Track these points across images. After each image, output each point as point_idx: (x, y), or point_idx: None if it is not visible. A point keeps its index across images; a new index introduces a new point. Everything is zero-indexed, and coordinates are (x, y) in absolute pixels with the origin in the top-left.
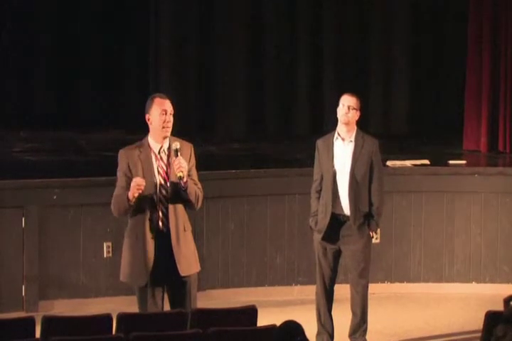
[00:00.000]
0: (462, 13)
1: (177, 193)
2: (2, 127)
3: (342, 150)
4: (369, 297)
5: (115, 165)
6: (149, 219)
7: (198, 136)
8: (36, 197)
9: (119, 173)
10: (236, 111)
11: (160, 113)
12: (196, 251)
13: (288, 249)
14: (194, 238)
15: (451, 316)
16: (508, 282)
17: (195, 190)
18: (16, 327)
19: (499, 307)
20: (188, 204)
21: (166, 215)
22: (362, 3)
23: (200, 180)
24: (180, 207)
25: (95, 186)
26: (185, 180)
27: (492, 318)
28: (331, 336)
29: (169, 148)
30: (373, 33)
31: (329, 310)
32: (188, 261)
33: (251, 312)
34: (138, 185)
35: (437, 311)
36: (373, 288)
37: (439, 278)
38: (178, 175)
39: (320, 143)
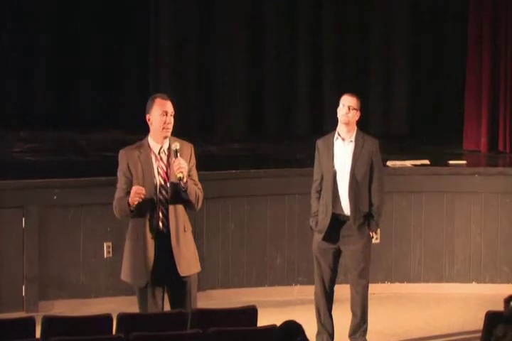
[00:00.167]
0: (462, 13)
1: (177, 194)
2: (2, 127)
3: (342, 151)
4: (369, 297)
5: (115, 165)
6: (149, 220)
7: (198, 136)
8: (36, 197)
9: (119, 174)
10: (236, 111)
11: (160, 114)
12: (196, 252)
13: (288, 249)
14: (194, 238)
15: (451, 316)
16: (508, 282)
17: (195, 190)
18: (16, 328)
19: (499, 307)
20: (188, 204)
21: (166, 216)
22: (362, 3)
23: (200, 180)
24: (180, 207)
25: (95, 186)
26: (185, 180)
27: (492, 318)
28: (331, 336)
29: (169, 148)
30: (373, 33)
31: (329, 310)
32: (188, 261)
33: (251, 312)
34: (137, 193)
35: (437, 311)
36: (373, 288)
37: (439, 278)
38: (178, 175)
39: (320, 143)
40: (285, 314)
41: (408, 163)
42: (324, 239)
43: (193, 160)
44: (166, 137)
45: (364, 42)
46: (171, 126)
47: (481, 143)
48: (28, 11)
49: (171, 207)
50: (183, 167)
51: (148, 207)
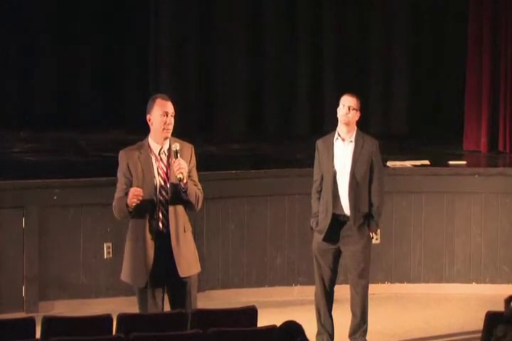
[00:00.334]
0: (462, 13)
1: (177, 194)
2: (2, 127)
3: (342, 151)
4: (369, 297)
5: (115, 165)
6: (149, 221)
7: (198, 136)
8: (36, 198)
9: (119, 174)
10: (236, 111)
11: (161, 114)
12: (197, 252)
13: (288, 249)
14: (194, 238)
15: (451, 316)
16: (508, 282)
17: (195, 191)
18: (16, 328)
19: (499, 307)
20: (188, 205)
21: (166, 216)
22: (362, 3)
23: (200, 180)
24: (180, 208)
25: (95, 186)
26: (185, 181)
27: (492, 319)
28: (331, 336)
29: (169, 149)
30: (373, 33)
31: (329, 310)
32: (187, 262)
33: (251, 312)
34: (135, 195)
35: (437, 311)
36: (373, 289)
37: (439, 279)
38: (178, 176)
39: (320, 143)
40: (285, 314)
41: (408, 164)
42: (324, 239)
43: (193, 161)
44: (166, 138)
45: (364, 42)
46: (171, 127)
47: (481, 144)
48: (28, 11)
49: (171, 208)
50: (183, 167)
51: (148, 208)
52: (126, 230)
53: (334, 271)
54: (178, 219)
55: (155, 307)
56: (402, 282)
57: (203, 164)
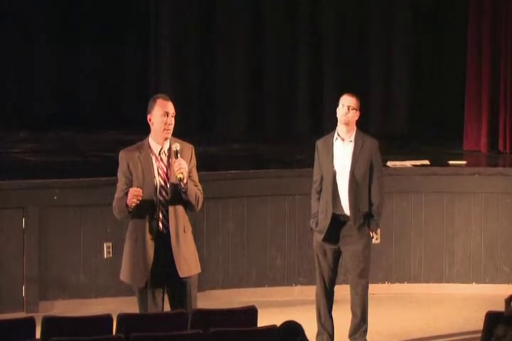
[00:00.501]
0: (462, 13)
1: (177, 195)
2: (2, 127)
3: (342, 151)
4: (369, 297)
5: (115, 165)
6: (149, 221)
7: (198, 136)
8: (36, 198)
9: (119, 174)
10: (236, 112)
11: (162, 114)
12: (196, 253)
13: (288, 249)
14: (194, 238)
15: (451, 316)
16: (508, 282)
17: (195, 191)
18: (17, 328)
19: (499, 307)
20: (188, 205)
21: (166, 217)
22: (362, 3)
23: (200, 180)
24: (180, 208)
25: (95, 187)
26: (185, 181)
27: (492, 318)
28: (331, 336)
29: (169, 149)
30: (373, 33)
31: (329, 310)
32: (187, 262)
33: (251, 312)
34: (135, 195)
35: (437, 311)
36: (373, 289)
37: (440, 279)
38: (178, 176)
39: (320, 143)
40: (285, 314)
41: (408, 163)
42: (324, 239)
43: (194, 161)
44: (166, 138)
45: (364, 42)
46: (171, 127)
47: (481, 144)
48: (28, 11)
49: (170, 208)
50: (184, 168)
51: (148, 208)
52: (126, 230)
53: (334, 271)
54: (178, 220)
55: (155, 307)
56: (402, 282)
57: (203, 164)
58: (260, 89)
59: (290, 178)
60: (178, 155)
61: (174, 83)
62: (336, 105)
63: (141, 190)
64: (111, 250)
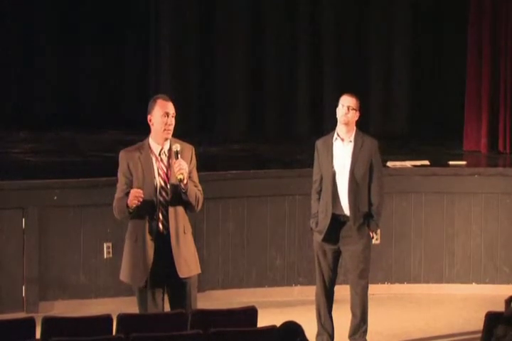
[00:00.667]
0: (462, 13)
1: (177, 195)
2: (2, 127)
3: (341, 151)
4: (369, 298)
5: (115, 165)
6: (149, 221)
7: (198, 136)
8: (36, 198)
9: (119, 174)
10: (236, 112)
11: (162, 115)
12: (196, 253)
13: (288, 249)
14: (194, 239)
15: (451, 317)
16: (508, 283)
17: (195, 192)
18: (17, 328)
19: (499, 307)
20: (188, 206)
21: (166, 217)
22: (362, 3)
23: (200, 180)
24: (180, 209)
25: (95, 187)
26: (185, 182)
27: (492, 319)
28: (331, 337)
29: (170, 149)
30: (373, 33)
31: (329, 310)
32: (187, 263)
33: (251, 312)
34: (136, 196)
35: (437, 312)
36: (373, 289)
37: (440, 279)
38: (179, 177)
39: (319, 143)
40: (285, 314)
41: (408, 164)
42: (324, 239)
43: (194, 162)
44: (166, 138)
45: (364, 43)
46: (172, 128)
47: (481, 144)
48: (28, 10)
49: (171, 209)
50: (184, 168)
51: (148, 209)
52: (126, 230)
53: (334, 271)
54: (178, 220)
55: (155, 308)
56: (402, 282)
57: (203, 164)
58: (260, 89)
59: (290, 178)
60: (179, 155)
61: (174, 83)
62: (336, 105)
63: (142, 191)
64: (111, 250)
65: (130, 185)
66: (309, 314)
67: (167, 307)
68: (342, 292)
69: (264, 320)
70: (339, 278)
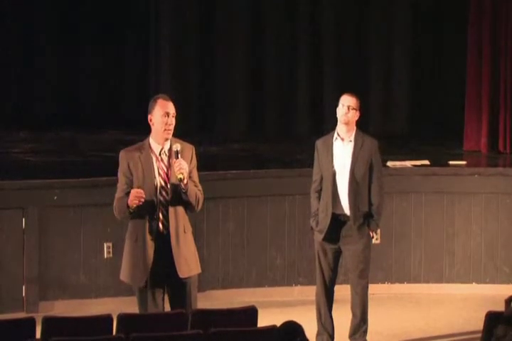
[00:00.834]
0: (462, 13)
1: (177, 195)
2: (2, 127)
3: (341, 151)
4: (369, 297)
5: (115, 165)
6: (149, 221)
7: (198, 136)
8: (36, 198)
9: (120, 174)
10: (236, 112)
11: (162, 115)
12: (197, 253)
13: (288, 249)
14: (194, 238)
15: (451, 317)
16: (508, 282)
17: (195, 192)
18: (17, 328)
19: (499, 307)
20: (188, 206)
21: (166, 217)
22: (362, 3)
23: (200, 180)
24: (180, 208)
25: (95, 187)
26: (185, 181)
27: (492, 319)
28: (331, 336)
29: (170, 149)
30: (373, 33)
31: (329, 310)
32: (187, 263)
33: (251, 312)
34: (137, 197)
35: (437, 312)
36: (373, 289)
37: (440, 279)
38: (179, 176)
39: (319, 143)
40: (285, 314)
41: (408, 164)
42: (324, 239)
43: (194, 162)
44: (167, 138)
45: (364, 43)
46: (172, 128)
47: (481, 144)
48: (28, 10)
49: (171, 209)
50: (184, 168)
51: (148, 208)
52: (126, 230)
53: (334, 271)
54: (179, 220)
55: (155, 307)
56: (402, 282)
57: (203, 164)
58: (260, 89)
59: (290, 178)
60: (179, 155)
61: (174, 83)
62: (336, 105)
63: (143, 192)
64: (111, 250)
65: (130, 185)
66: (309, 314)
67: (167, 307)
68: (342, 292)
69: (264, 320)
70: (339, 277)
